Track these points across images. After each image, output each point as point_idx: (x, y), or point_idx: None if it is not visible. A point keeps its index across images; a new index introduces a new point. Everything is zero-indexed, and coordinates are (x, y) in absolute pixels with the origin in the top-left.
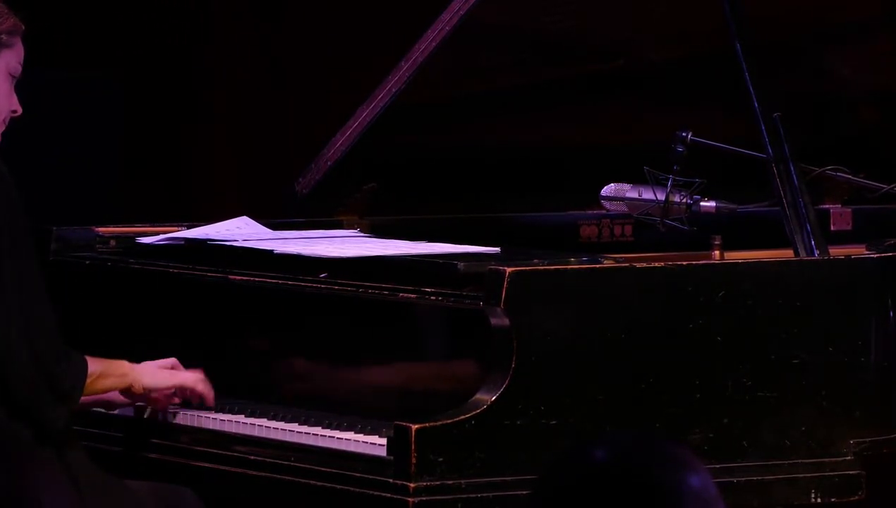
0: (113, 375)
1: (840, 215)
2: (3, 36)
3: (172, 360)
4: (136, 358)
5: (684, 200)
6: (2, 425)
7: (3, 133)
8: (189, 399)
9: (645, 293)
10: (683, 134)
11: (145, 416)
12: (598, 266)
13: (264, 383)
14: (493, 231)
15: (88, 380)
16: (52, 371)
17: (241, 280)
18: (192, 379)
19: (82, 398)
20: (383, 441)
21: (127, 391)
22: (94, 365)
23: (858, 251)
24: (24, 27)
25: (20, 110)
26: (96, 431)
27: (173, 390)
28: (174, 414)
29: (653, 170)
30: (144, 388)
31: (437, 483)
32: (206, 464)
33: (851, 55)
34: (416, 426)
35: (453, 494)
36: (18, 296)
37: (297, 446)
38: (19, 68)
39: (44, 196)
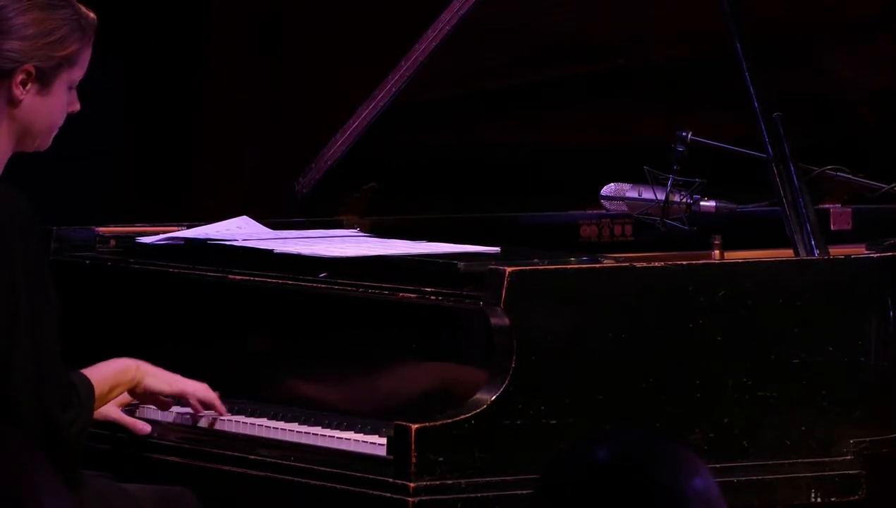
0: (121, 384)
1: (840, 215)
2: (67, 59)
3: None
4: (137, 358)
5: (684, 200)
6: (2, 427)
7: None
8: (193, 407)
9: (645, 293)
10: (683, 134)
11: (184, 422)
12: (598, 266)
13: (264, 383)
14: (493, 231)
15: (100, 403)
16: (58, 421)
17: (241, 280)
18: (196, 387)
19: None
20: (383, 440)
21: (133, 393)
22: (103, 384)
23: (858, 251)
24: (91, 39)
25: (78, 107)
26: (94, 431)
27: (173, 397)
28: (172, 414)
29: (653, 170)
30: (145, 389)
31: (437, 482)
32: (206, 464)
33: (851, 55)
34: (416, 425)
35: (453, 494)
36: (32, 348)
37: (297, 446)
38: (82, 74)
39: (44, 196)
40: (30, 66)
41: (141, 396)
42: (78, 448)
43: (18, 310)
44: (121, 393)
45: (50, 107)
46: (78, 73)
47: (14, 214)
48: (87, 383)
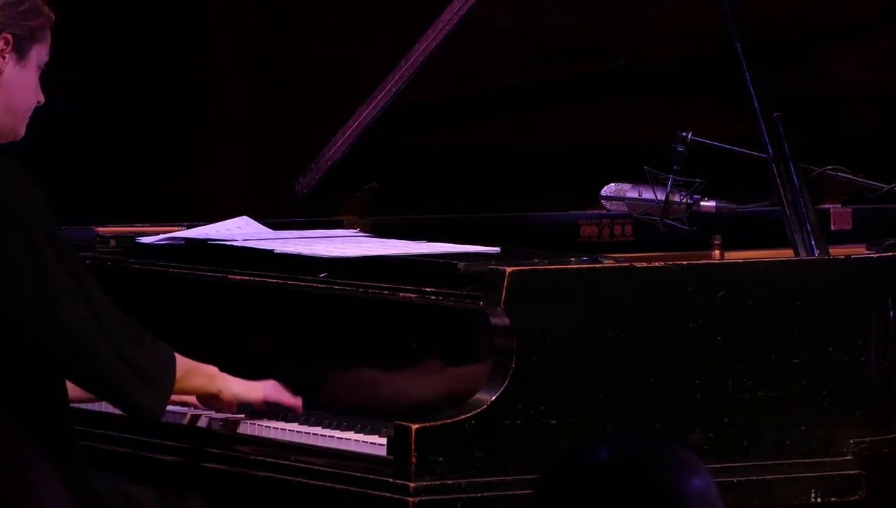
0: (201, 375)
1: (840, 215)
2: (37, 31)
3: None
4: None
5: (684, 200)
6: (2, 427)
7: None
8: (273, 409)
9: (645, 293)
10: (684, 134)
11: (185, 423)
12: (598, 266)
13: None
14: (493, 231)
15: (179, 374)
16: (131, 357)
17: (241, 280)
18: (274, 393)
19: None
20: (383, 440)
21: (213, 396)
22: (182, 361)
23: (858, 251)
24: (54, 17)
25: (43, 99)
26: (96, 430)
27: (262, 401)
28: (170, 415)
29: (653, 170)
30: (234, 396)
31: (437, 482)
32: (206, 464)
33: (851, 55)
34: (416, 425)
35: (453, 494)
36: (77, 292)
37: (297, 446)
38: (47, 59)
39: (44, 196)
40: (7, 34)
41: (225, 404)
42: (162, 393)
43: (49, 267)
44: (199, 388)
45: (28, 81)
46: (45, 54)
47: (17, 178)
48: (166, 345)
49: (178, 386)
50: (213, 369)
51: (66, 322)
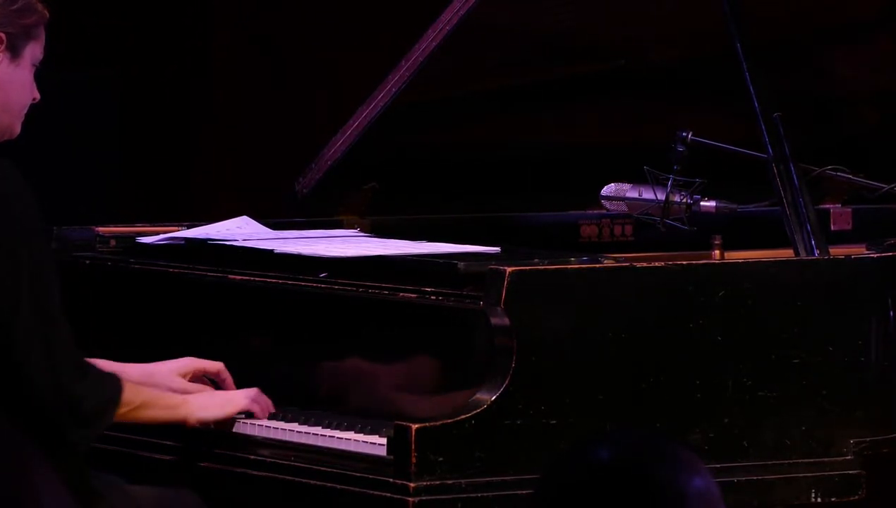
0: (159, 407)
1: (840, 215)
2: (31, 29)
3: (200, 362)
4: (136, 359)
5: (684, 200)
6: (2, 427)
7: None
8: (256, 415)
9: (645, 293)
10: (684, 134)
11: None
12: (598, 266)
13: (264, 383)
14: (493, 231)
15: (125, 409)
16: (72, 392)
17: (241, 280)
18: (246, 402)
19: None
20: (383, 440)
21: (180, 423)
22: (136, 394)
23: (858, 251)
24: (48, 15)
25: (39, 97)
26: None
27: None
28: None
29: (653, 170)
30: (199, 422)
31: (437, 482)
32: (206, 464)
33: (851, 55)
34: (417, 425)
35: (453, 494)
36: (37, 316)
37: (297, 446)
38: (41, 56)
39: (43, 196)
40: (0, 33)
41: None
42: (94, 430)
43: (21, 281)
44: (160, 418)
45: (23, 79)
46: (39, 52)
47: (13, 184)
48: (116, 378)
49: (131, 416)
50: (177, 398)
51: (14, 340)
